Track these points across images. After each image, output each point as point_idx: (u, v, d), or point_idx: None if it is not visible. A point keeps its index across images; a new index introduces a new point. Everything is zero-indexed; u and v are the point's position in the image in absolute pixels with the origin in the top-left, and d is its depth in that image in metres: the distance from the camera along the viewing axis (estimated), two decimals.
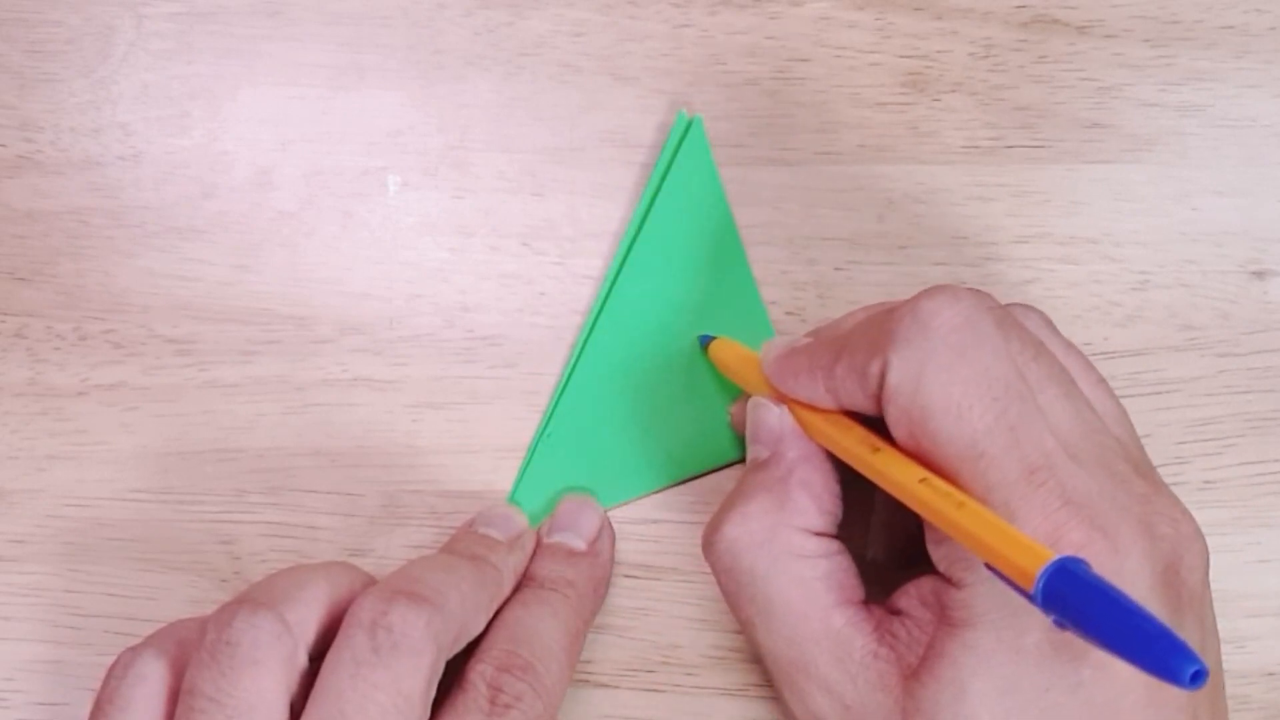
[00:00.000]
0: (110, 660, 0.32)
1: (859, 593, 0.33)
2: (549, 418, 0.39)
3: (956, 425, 0.29)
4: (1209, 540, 0.38)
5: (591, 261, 0.40)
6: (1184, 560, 0.30)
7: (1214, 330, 0.40)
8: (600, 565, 0.37)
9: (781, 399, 0.34)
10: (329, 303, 0.40)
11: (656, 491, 0.39)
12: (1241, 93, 0.41)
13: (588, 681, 0.38)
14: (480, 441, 0.39)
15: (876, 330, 0.31)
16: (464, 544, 0.36)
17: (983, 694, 0.29)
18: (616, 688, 0.38)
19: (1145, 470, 0.32)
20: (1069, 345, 0.34)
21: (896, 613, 0.32)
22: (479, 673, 0.32)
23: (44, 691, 0.38)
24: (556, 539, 0.37)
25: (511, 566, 0.35)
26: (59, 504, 0.39)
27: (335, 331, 0.39)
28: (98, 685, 0.31)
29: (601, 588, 0.37)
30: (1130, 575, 0.29)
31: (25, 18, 0.41)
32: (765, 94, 0.40)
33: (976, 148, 0.40)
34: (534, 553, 0.36)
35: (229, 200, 0.40)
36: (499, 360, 0.39)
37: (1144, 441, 0.39)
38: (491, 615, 0.34)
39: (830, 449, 0.33)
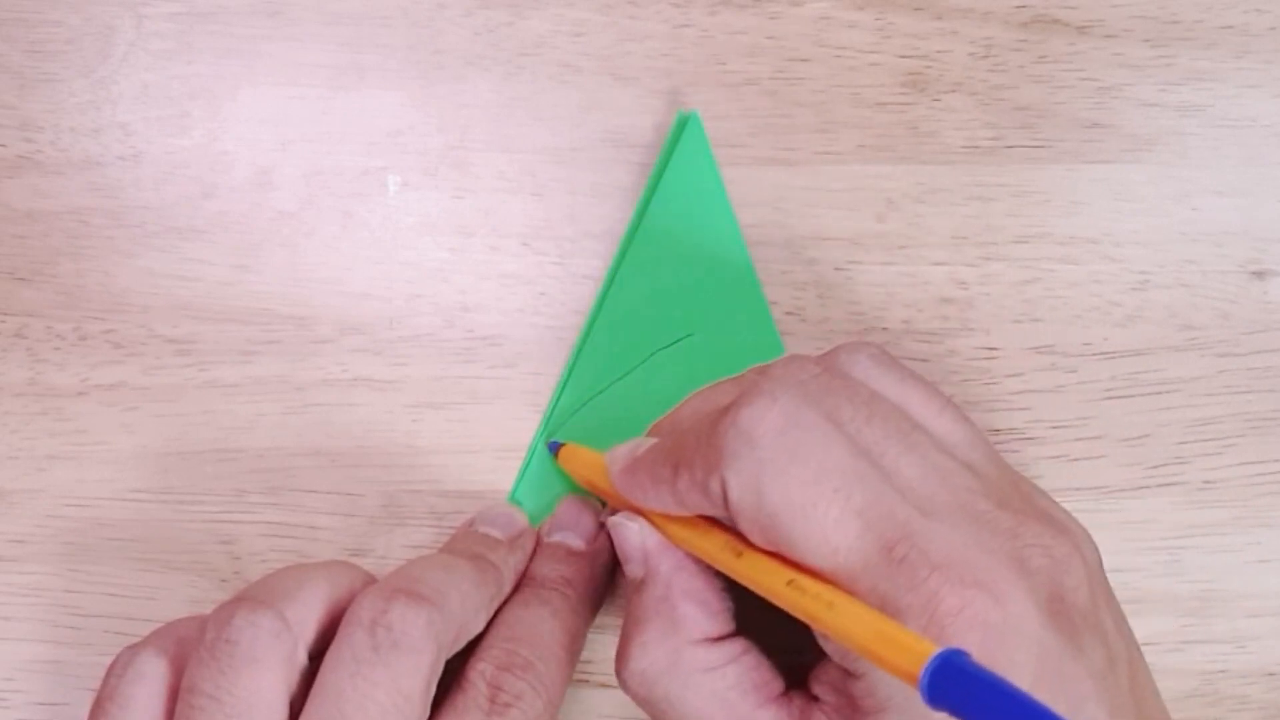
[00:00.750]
0: (110, 660, 0.32)
1: (776, 685, 0.32)
2: (549, 418, 0.39)
3: (805, 526, 0.29)
4: (1208, 540, 0.39)
5: (591, 261, 0.40)
6: (1065, 584, 0.29)
7: (1214, 330, 0.40)
8: (600, 565, 0.37)
9: (638, 510, 0.34)
10: (329, 303, 0.40)
11: None
12: (1241, 93, 0.41)
13: (588, 681, 0.38)
14: (480, 441, 0.39)
15: (705, 446, 0.31)
16: (464, 543, 0.36)
17: None
18: (616, 688, 0.37)
19: (1007, 496, 0.31)
20: (904, 376, 0.33)
21: (815, 699, 0.32)
22: (479, 672, 0.32)
23: (44, 691, 0.38)
24: (557, 538, 0.37)
25: (512, 566, 0.35)
26: (59, 504, 0.39)
27: (335, 331, 0.39)
28: (98, 685, 0.31)
29: (601, 588, 0.37)
30: (1016, 620, 0.28)
31: (25, 18, 0.41)
32: (765, 94, 0.40)
33: (976, 148, 0.40)
34: (534, 552, 0.36)
35: (229, 200, 0.40)
36: (499, 360, 0.39)
37: (1144, 441, 0.39)
38: (492, 614, 0.34)
39: (695, 555, 0.33)
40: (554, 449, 0.38)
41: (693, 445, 0.31)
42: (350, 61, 0.41)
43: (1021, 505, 0.31)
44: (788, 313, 0.40)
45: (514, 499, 0.38)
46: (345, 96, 0.40)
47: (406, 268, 0.40)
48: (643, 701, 0.33)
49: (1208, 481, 0.39)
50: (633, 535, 0.33)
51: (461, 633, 0.32)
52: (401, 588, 0.31)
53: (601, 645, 0.38)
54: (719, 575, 0.33)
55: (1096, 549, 0.31)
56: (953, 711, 0.24)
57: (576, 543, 0.36)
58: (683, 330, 0.39)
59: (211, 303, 0.40)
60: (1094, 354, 0.39)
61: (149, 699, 0.30)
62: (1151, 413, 0.39)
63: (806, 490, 0.29)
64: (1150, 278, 0.40)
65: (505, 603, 0.35)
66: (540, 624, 0.34)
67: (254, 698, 0.29)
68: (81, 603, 0.38)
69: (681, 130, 0.39)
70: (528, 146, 0.40)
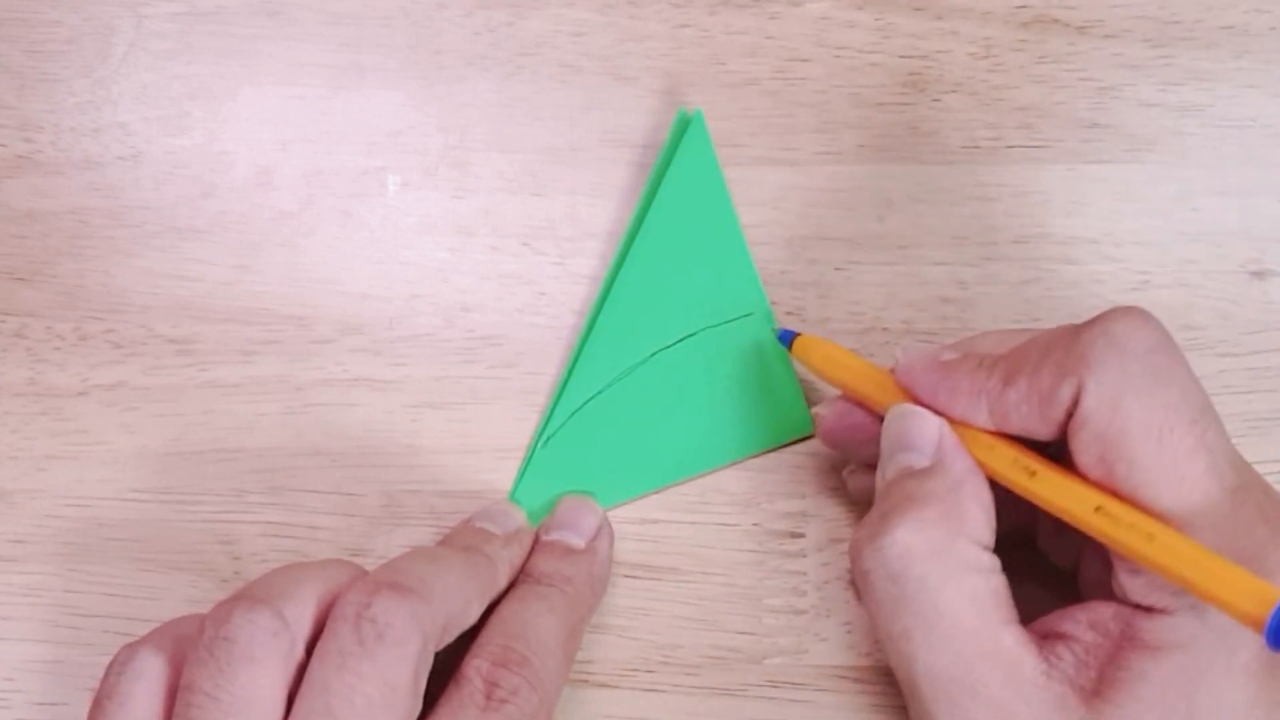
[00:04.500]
0: (109, 659, 0.32)
1: (1017, 614, 0.32)
2: (549, 418, 0.39)
3: (1158, 449, 0.29)
4: None
5: (591, 261, 0.40)
6: None
7: (1214, 330, 0.40)
8: (598, 564, 0.37)
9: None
10: (329, 303, 0.40)
11: (656, 491, 0.39)
12: (1241, 93, 0.41)
13: (587, 681, 0.38)
14: (480, 441, 0.39)
15: (1063, 353, 0.31)
16: (458, 537, 0.36)
17: (1188, 712, 0.29)
18: (616, 688, 0.38)
19: None
20: None
21: (1058, 636, 0.31)
22: (474, 667, 0.32)
23: (44, 691, 0.38)
24: (555, 537, 0.37)
25: (506, 559, 0.35)
26: (59, 504, 0.39)
27: (335, 331, 0.39)
28: (97, 684, 0.31)
29: (599, 586, 0.37)
30: None
31: (25, 18, 0.41)
32: (765, 94, 0.40)
33: (976, 148, 0.40)
34: (532, 550, 0.36)
35: (229, 200, 0.40)
36: (499, 360, 0.39)
37: None
38: (485, 606, 0.34)
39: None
40: (786, 339, 0.38)
41: (1039, 353, 0.31)
42: (350, 61, 0.41)
43: None
44: (788, 313, 0.40)
45: (514, 499, 0.38)
46: (345, 96, 0.40)
47: (406, 268, 0.40)
48: (888, 576, 0.31)
49: None
50: (931, 425, 0.33)
51: (450, 624, 0.32)
52: (386, 581, 0.31)
53: (601, 645, 0.38)
54: (997, 496, 0.32)
55: None
56: None
57: (575, 541, 0.36)
58: (683, 330, 0.39)
59: (211, 303, 0.40)
60: None
61: (148, 697, 0.30)
62: None
63: (1168, 412, 0.30)
64: (1150, 278, 0.40)
65: (502, 599, 0.35)
66: (537, 621, 0.34)
67: (252, 695, 0.29)
68: (81, 603, 0.38)
69: (684, 129, 0.39)
70: (528, 146, 0.40)
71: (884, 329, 0.39)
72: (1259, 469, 0.39)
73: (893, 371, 0.34)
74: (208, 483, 0.39)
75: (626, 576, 0.38)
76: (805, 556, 0.38)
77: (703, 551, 0.38)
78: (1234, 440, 0.39)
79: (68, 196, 0.40)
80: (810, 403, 0.39)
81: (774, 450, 0.39)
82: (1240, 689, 0.29)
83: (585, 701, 0.37)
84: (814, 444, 0.39)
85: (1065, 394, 0.30)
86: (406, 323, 0.40)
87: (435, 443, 0.39)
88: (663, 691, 0.38)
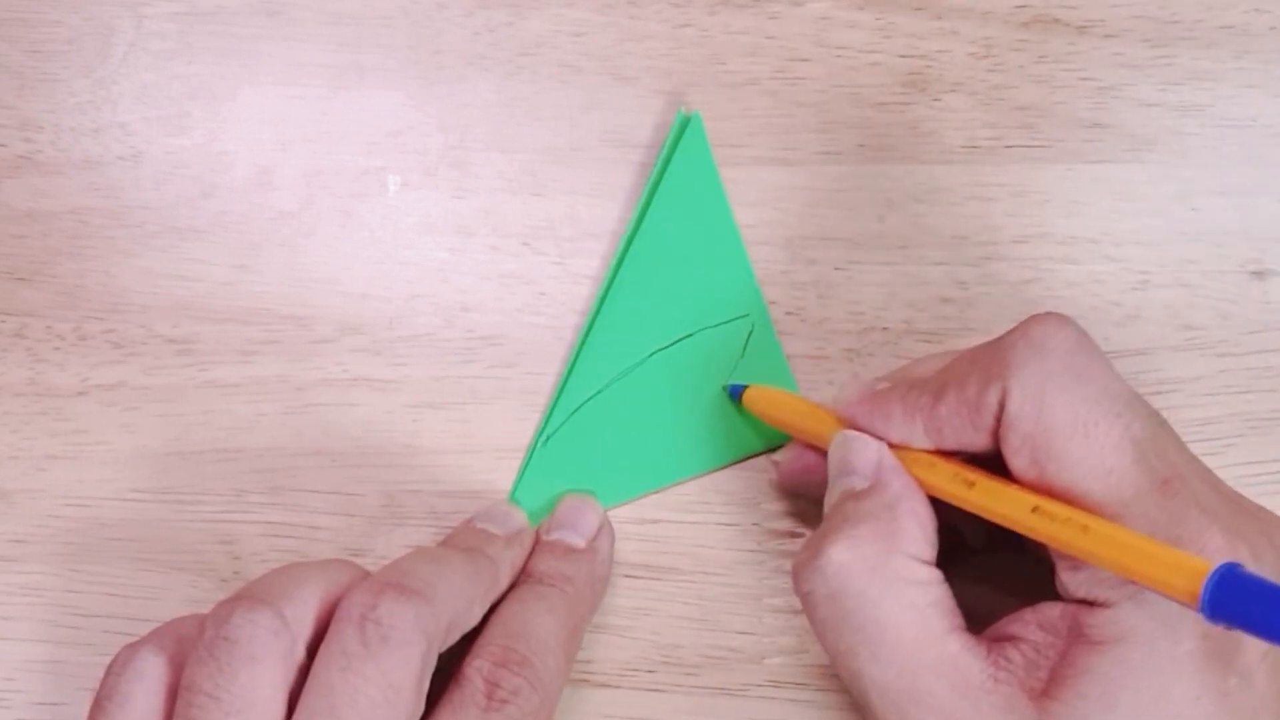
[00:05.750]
0: (110, 659, 0.32)
1: (962, 621, 0.32)
2: (548, 418, 0.39)
3: (1084, 444, 0.30)
4: None
5: (591, 261, 0.40)
6: None
7: (1214, 330, 0.40)
8: (599, 563, 0.37)
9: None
10: (329, 303, 0.40)
11: (656, 491, 0.39)
12: (1241, 93, 0.41)
13: (588, 681, 0.38)
14: (480, 441, 0.39)
15: (986, 361, 0.32)
16: (460, 538, 0.36)
17: (1134, 706, 0.29)
18: (616, 688, 0.38)
19: (1232, 489, 0.32)
20: None
21: (1008, 638, 0.31)
22: (475, 668, 0.32)
23: (44, 691, 0.38)
24: (555, 536, 0.37)
25: (508, 560, 0.35)
26: (59, 504, 0.39)
27: (335, 331, 0.39)
28: (98, 684, 0.31)
29: (600, 586, 0.37)
30: (1272, 579, 0.28)
31: (25, 18, 0.41)
32: (765, 94, 0.40)
33: (976, 148, 0.40)
34: (533, 550, 0.36)
35: (229, 200, 0.40)
36: (499, 360, 0.39)
37: None
38: (487, 608, 0.34)
39: (921, 488, 0.33)
40: (736, 393, 0.38)
41: (965, 366, 0.32)
42: (350, 61, 0.41)
43: (1249, 501, 0.32)
44: (788, 313, 0.40)
45: (514, 499, 0.38)
46: (345, 96, 0.40)
47: (406, 268, 0.40)
48: (827, 595, 0.32)
49: None
50: (870, 449, 0.33)
51: (454, 625, 0.32)
52: (390, 582, 0.31)
53: (601, 645, 0.38)
54: (934, 513, 0.33)
55: None
56: (1235, 622, 0.25)
57: (576, 540, 0.36)
58: (683, 330, 0.39)
59: (211, 303, 0.40)
60: None
61: (148, 697, 0.30)
62: None
63: (1090, 408, 0.30)
64: (1150, 278, 0.40)
65: (503, 599, 0.35)
66: (538, 621, 0.34)
67: (252, 695, 0.29)
68: (81, 603, 0.38)
69: (683, 131, 0.39)
70: (528, 146, 0.40)
71: (884, 329, 0.39)
72: (1259, 469, 0.39)
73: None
74: (208, 483, 0.39)
75: (627, 576, 0.38)
76: None
77: (703, 551, 0.38)
78: (1234, 440, 0.39)
79: (68, 196, 0.40)
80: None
81: (774, 450, 0.39)
82: (1186, 679, 0.29)
83: (585, 701, 0.37)
84: None
85: (991, 399, 0.31)
86: (406, 323, 0.40)
87: (435, 443, 0.39)
88: (663, 691, 0.38)
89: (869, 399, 0.34)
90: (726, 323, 0.39)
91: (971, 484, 0.32)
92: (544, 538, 0.37)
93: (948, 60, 0.41)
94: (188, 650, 0.31)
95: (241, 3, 0.41)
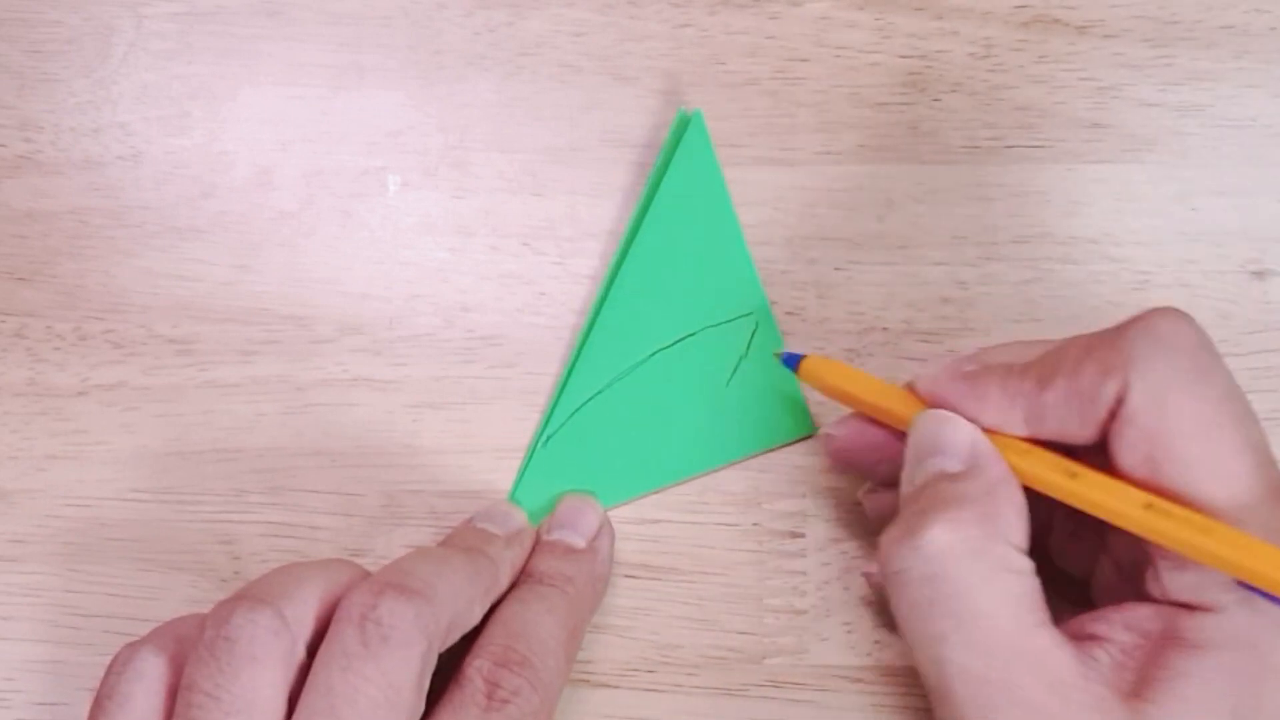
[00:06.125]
0: (110, 659, 0.32)
1: (1050, 616, 0.31)
2: (549, 418, 0.39)
3: (1205, 445, 0.29)
4: None
5: (591, 261, 0.40)
6: None
7: (1214, 330, 0.39)
8: (599, 563, 0.37)
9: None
10: (329, 303, 0.40)
11: (656, 491, 0.39)
12: (1241, 93, 0.41)
13: (588, 681, 0.38)
14: (480, 441, 0.39)
15: (1104, 350, 0.31)
16: (460, 538, 0.36)
17: (1235, 712, 0.29)
18: (616, 688, 0.38)
19: None
20: None
21: (1092, 638, 0.31)
22: (476, 668, 0.32)
23: (44, 691, 0.38)
24: (556, 536, 0.37)
25: (508, 560, 0.35)
26: (59, 504, 0.39)
27: (335, 331, 0.39)
28: (98, 684, 0.31)
29: (600, 586, 0.37)
30: None
31: (25, 18, 0.41)
32: (765, 94, 0.40)
33: (976, 148, 0.40)
34: (533, 550, 0.36)
35: (229, 200, 0.40)
36: (499, 360, 0.39)
37: None
38: (487, 608, 0.34)
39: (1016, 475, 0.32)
40: (791, 363, 0.37)
41: (1078, 354, 0.31)
42: (350, 61, 0.41)
43: None
44: (788, 313, 0.40)
45: (514, 499, 0.38)
46: (345, 96, 0.40)
47: (406, 268, 0.40)
48: (923, 577, 0.31)
49: None
50: (963, 431, 0.32)
51: (454, 625, 0.32)
52: (391, 582, 0.31)
53: (601, 645, 0.38)
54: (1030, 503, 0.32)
55: None
56: None
57: (576, 540, 0.36)
58: (683, 330, 0.39)
59: (211, 303, 0.40)
60: None
61: (148, 697, 0.30)
62: None
63: (1215, 409, 0.30)
64: (1150, 278, 0.40)
65: (503, 599, 0.35)
66: (538, 621, 0.34)
67: (252, 695, 0.29)
68: (81, 603, 0.38)
69: (684, 130, 0.39)
70: (528, 146, 0.40)
71: (884, 329, 0.39)
72: None
73: (911, 386, 0.34)
74: (208, 483, 0.39)
75: (626, 576, 0.38)
76: (805, 556, 0.38)
77: (703, 551, 0.38)
78: None
79: (68, 196, 0.40)
80: (810, 416, 0.39)
81: (774, 450, 0.39)
82: (1277, 688, 0.29)
83: (585, 701, 0.37)
84: (814, 444, 0.39)
85: (1109, 393, 0.30)
86: (406, 323, 0.40)
87: (435, 443, 0.39)
88: (663, 691, 0.38)
89: (961, 379, 0.33)
90: (729, 321, 0.39)
91: (1075, 474, 0.31)
92: (544, 538, 0.37)
93: (948, 60, 0.41)
94: (188, 650, 0.31)
95: (241, 3, 0.41)
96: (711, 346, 0.39)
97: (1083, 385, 0.31)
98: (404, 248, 0.40)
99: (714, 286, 0.39)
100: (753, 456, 0.39)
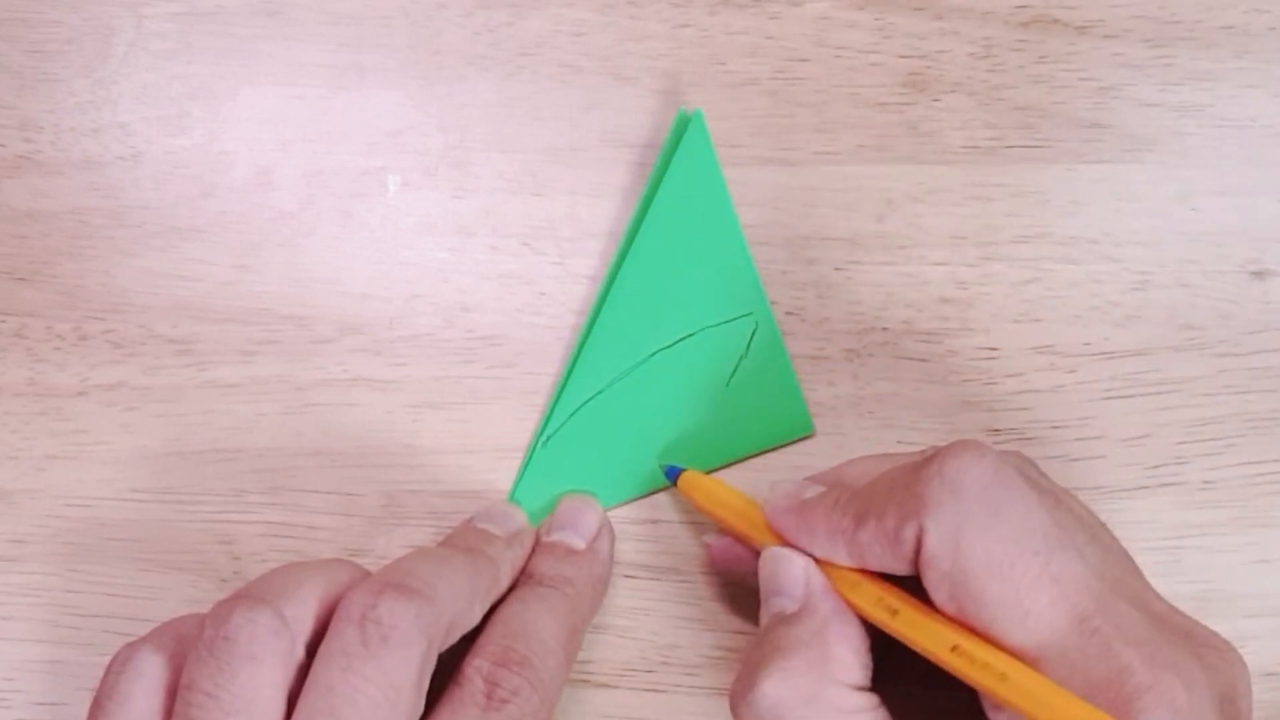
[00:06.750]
0: (109, 659, 0.32)
1: None
2: (548, 418, 0.39)
3: (1001, 585, 0.29)
4: (1208, 540, 0.39)
5: (591, 261, 0.40)
6: (1237, 689, 0.30)
7: (1214, 330, 0.40)
8: (599, 564, 0.37)
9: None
10: (329, 303, 0.40)
11: (656, 491, 0.39)
12: (1241, 93, 0.41)
13: (588, 681, 0.38)
14: (480, 441, 0.39)
15: (903, 493, 0.31)
16: (460, 538, 0.36)
17: None
18: (616, 688, 0.38)
19: (1168, 605, 0.32)
20: (1063, 488, 0.34)
21: None
22: (475, 668, 0.32)
23: (44, 691, 0.38)
24: (556, 537, 0.37)
25: (509, 561, 0.35)
26: (59, 504, 0.39)
27: (335, 331, 0.39)
28: (97, 684, 0.31)
29: (600, 586, 0.37)
30: (1199, 710, 0.28)
31: (25, 18, 0.41)
32: (765, 94, 0.40)
33: (976, 148, 0.40)
34: (533, 551, 0.36)
35: (229, 200, 0.40)
36: (499, 360, 0.39)
37: (1143, 441, 0.39)
38: (487, 608, 0.34)
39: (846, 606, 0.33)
40: (672, 475, 0.38)
41: (884, 495, 0.32)
42: (350, 61, 0.41)
43: (1184, 614, 0.32)
44: (788, 313, 0.40)
45: (514, 499, 0.38)
46: (345, 96, 0.40)
47: (406, 268, 0.40)
48: None
49: (1207, 481, 0.39)
50: (796, 568, 0.33)
51: (454, 625, 0.32)
52: (391, 581, 0.31)
53: (602, 645, 0.38)
54: (867, 633, 0.33)
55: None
56: None
57: (576, 541, 0.36)
58: (683, 330, 0.39)
59: (211, 303, 0.40)
60: (1094, 354, 0.39)
61: (148, 696, 0.30)
62: (1151, 413, 0.39)
63: (1006, 548, 0.29)
64: (1150, 278, 0.40)
65: (503, 600, 0.35)
66: (538, 621, 0.34)
67: (252, 695, 0.29)
68: (81, 603, 0.38)
69: (684, 129, 0.39)
70: (528, 146, 0.40)
71: (884, 329, 0.39)
72: (1259, 469, 0.39)
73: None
74: (208, 483, 0.39)
75: (627, 576, 0.38)
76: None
77: (703, 551, 0.38)
78: (1234, 440, 0.39)
79: (68, 196, 0.40)
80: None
81: (774, 450, 0.39)
82: None
83: (585, 701, 0.38)
84: (814, 444, 0.39)
85: (909, 535, 0.31)
86: (406, 323, 0.40)
87: (435, 443, 0.39)
88: (663, 691, 0.38)
89: (795, 510, 0.34)
90: (729, 321, 0.39)
91: (895, 612, 0.31)
92: (544, 539, 0.37)
93: (948, 60, 0.41)
94: (187, 649, 0.31)
95: (241, 3, 0.41)
96: (711, 346, 0.39)
97: (888, 527, 0.31)
98: (404, 248, 0.40)
99: (714, 286, 0.39)
100: (753, 456, 0.39)
